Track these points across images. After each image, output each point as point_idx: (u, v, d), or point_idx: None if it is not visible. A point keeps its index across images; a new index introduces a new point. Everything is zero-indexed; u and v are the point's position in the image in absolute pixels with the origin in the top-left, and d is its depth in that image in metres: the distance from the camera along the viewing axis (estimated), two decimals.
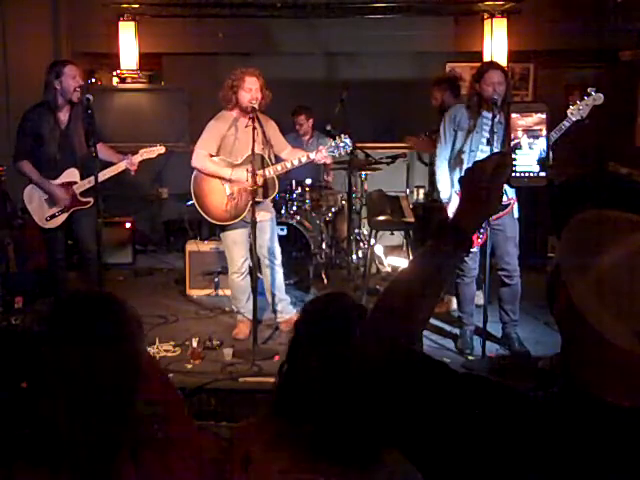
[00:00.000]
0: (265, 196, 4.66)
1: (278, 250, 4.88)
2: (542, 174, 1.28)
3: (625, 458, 1.03)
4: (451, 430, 1.09)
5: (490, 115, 4.20)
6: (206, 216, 4.75)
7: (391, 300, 1.21)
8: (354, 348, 1.21)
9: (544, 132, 1.29)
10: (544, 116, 1.29)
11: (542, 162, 1.28)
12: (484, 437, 1.07)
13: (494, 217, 4.30)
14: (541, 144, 1.28)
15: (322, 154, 4.56)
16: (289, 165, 4.58)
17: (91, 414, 1.41)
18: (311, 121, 6.38)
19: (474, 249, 4.43)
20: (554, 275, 1.12)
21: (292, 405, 1.67)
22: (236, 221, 4.66)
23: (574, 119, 4.08)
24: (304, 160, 4.57)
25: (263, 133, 4.64)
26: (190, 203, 4.86)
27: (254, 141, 4.30)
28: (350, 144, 4.58)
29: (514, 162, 1.26)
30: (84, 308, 1.51)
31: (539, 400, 1.11)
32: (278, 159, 4.71)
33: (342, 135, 4.62)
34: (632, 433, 1.04)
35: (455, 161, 4.46)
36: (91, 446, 1.40)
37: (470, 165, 1.24)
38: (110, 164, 4.79)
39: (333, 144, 4.58)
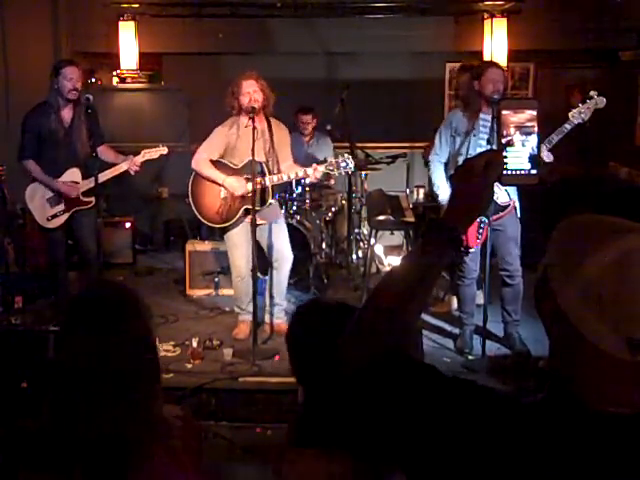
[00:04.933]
0: (262, 203, 4.65)
1: (286, 253, 4.83)
2: (533, 172, 1.26)
3: (611, 464, 1.03)
4: (438, 434, 1.09)
5: (489, 116, 4.20)
6: (199, 216, 4.78)
7: (381, 299, 1.19)
8: (341, 347, 1.20)
9: (536, 129, 1.27)
10: (535, 112, 1.27)
11: (533, 160, 1.26)
12: (471, 441, 1.07)
13: (495, 217, 4.30)
14: (533, 141, 1.26)
15: (319, 172, 4.55)
16: (285, 177, 4.61)
17: (106, 411, 1.41)
18: (315, 121, 6.39)
19: (473, 249, 4.43)
20: (541, 279, 1.11)
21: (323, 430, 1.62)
22: (228, 224, 4.67)
23: (576, 122, 4.07)
24: (300, 174, 4.60)
25: (271, 136, 4.66)
26: (187, 201, 4.85)
27: (254, 140, 4.32)
28: (351, 165, 4.54)
29: (505, 160, 1.24)
30: (98, 300, 1.52)
31: (527, 405, 1.11)
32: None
33: (345, 155, 4.59)
34: (619, 440, 1.03)
35: (453, 164, 4.46)
36: (105, 446, 1.40)
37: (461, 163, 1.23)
38: (112, 165, 4.79)
39: (333, 162, 4.56)
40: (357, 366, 1.17)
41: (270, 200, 4.65)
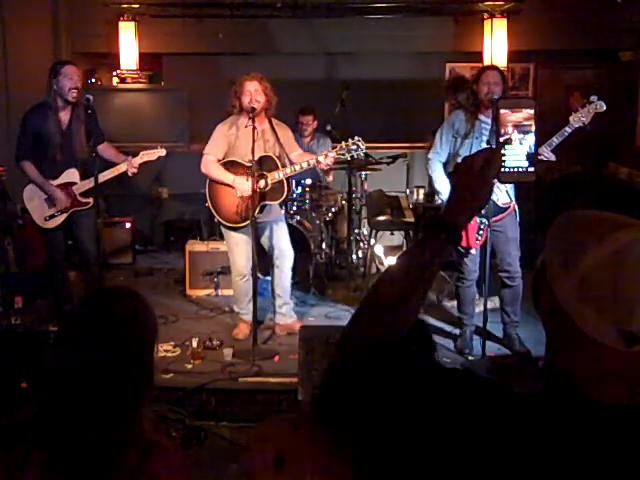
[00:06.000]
0: (274, 199, 4.64)
1: (288, 251, 4.84)
2: (531, 169, 1.29)
3: (609, 454, 1.04)
4: (437, 424, 1.10)
5: (489, 118, 4.21)
6: (219, 217, 4.74)
7: (379, 294, 1.21)
8: (340, 343, 1.21)
9: (533, 127, 1.29)
10: (532, 111, 1.30)
11: (531, 157, 1.29)
12: (470, 431, 1.08)
13: (495, 219, 4.30)
14: (530, 139, 1.29)
15: (330, 158, 4.51)
16: (297, 168, 4.56)
17: (93, 413, 1.41)
18: (316, 123, 6.38)
19: (473, 251, 4.43)
20: (539, 274, 1.13)
21: (332, 410, 1.63)
22: (247, 223, 4.59)
23: (576, 125, 4.10)
24: (312, 163, 4.54)
25: (275, 135, 4.65)
26: (206, 205, 4.82)
27: (254, 141, 4.32)
28: (363, 147, 4.48)
29: (503, 157, 1.27)
30: (103, 305, 1.52)
31: (525, 395, 1.12)
32: (290, 163, 4.68)
33: (355, 137, 4.51)
34: (616, 430, 1.05)
35: (452, 165, 4.44)
36: (93, 446, 1.40)
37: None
38: (111, 164, 4.78)
39: (344, 145, 4.51)
40: (357, 359, 1.17)
41: (286, 193, 4.64)
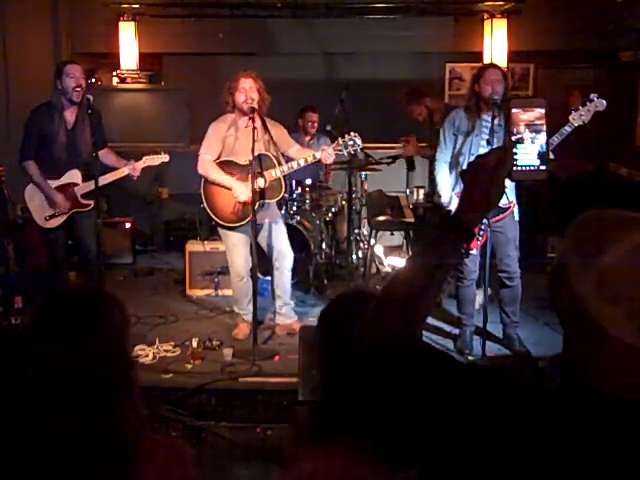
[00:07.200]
0: (271, 197, 4.64)
1: (287, 252, 4.83)
2: (542, 168, 1.31)
3: (625, 449, 1.05)
4: (455, 420, 1.11)
5: (489, 117, 4.20)
6: (216, 218, 4.73)
7: (394, 290, 1.23)
8: (357, 338, 1.22)
9: (544, 127, 1.32)
10: (544, 111, 1.32)
11: (542, 156, 1.31)
12: (488, 427, 1.09)
13: (495, 219, 4.30)
14: (542, 138, 1.31)
15: (328, 153, 4.52)
16: (295, 165, 4.56)
17: (75, 413, 1.41)
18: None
19: (474, 251, 4.42)
20: (557, 273, 1.14)
21: (339, 418, 1.62)
22: (244, 222, 4.59)
23: (576, 124, 4.08)
24: (310, 160, 4.54)
25: (268, 133, 4.63)
26: (202, 206, 4.81)
27: (254, 141, 4.31)
28: (359, 142, 4.52)
29: (515, 156, 1.29)
30: (67, 304, 1.52)
31: (542, 391, 1.14)
32: (288, 159, 4.67)
33: (352, 133, 4.55)
34: (633, 425, 1.06)
35: (454, 164, 4.46)
36: (76, 447, 1.39)
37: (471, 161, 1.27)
38: (112, 168, 4.78)
39: (341, 141, 4.54)
40: (374, 353, 1.18)
41: (283, 191, 4.64)
